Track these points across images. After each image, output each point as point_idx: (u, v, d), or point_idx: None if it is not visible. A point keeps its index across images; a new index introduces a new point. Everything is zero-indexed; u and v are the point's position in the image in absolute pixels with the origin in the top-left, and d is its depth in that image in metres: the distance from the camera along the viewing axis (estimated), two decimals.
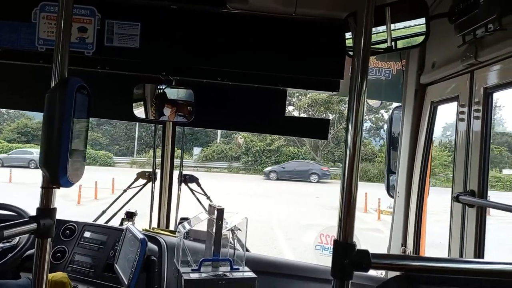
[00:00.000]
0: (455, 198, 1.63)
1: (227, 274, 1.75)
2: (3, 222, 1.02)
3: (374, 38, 2.24)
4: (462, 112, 1.70)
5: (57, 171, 1.09)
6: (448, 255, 1.75)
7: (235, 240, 1.92)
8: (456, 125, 1.76)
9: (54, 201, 1.14)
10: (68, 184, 1.12)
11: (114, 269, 1.93)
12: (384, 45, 2.08)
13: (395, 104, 2.79)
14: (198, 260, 1.77)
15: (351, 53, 1.68)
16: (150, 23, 2.05)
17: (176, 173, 3.07)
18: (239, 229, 1.91)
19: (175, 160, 3.03)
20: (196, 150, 32.14)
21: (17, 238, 2.17)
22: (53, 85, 1.15)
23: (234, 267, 1.80)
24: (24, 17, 2.02)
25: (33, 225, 1.08)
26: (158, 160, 3.05)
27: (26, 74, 2.29)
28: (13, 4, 2.05)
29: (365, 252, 0.88)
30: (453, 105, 1.82)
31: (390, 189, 2.46)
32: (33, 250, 1.16)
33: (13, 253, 2.01)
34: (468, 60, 1.59)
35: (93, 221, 2.63)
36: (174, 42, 2.08)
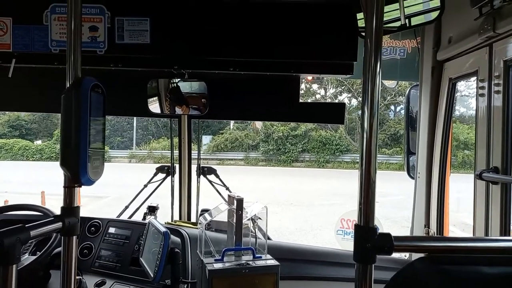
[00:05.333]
0: (478, 176, 1.59)
1: (250, 262, 1.76)
2: (30, 222, 1.05)
3: (387, 16, 2.19)
4: (482, 87, 1.65)
5: (77, 171, 1.11)
6: (473, 235, 1.72)
7: (256, 229, 1.93)
8: (477, 101, 1.71)
9: (77, 200, 1.17)
10: (89, 182, 1.15)
11: (139, 263, 1.97)
12: (398, 23, 2.03)
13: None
14: (221, 250, 1.79)
15: (363, 34, 1.65)
16: (159, 17, 2.05)
17: (194, 166, 3.09)
18: (260, 218, 1.92)
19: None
20: (206, 139, 26.80)
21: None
22: (68, 85, 1.17)
23: (257, 255, 1.81)
24: (36, 20, 2.05)
25: (59, 224, 1.11)
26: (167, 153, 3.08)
27: (41, 77, 2.33)
28: (25, 7, 2.08)
29: (387, 235, 0.87)
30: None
31: (410, 170, 2.43)
32: (61, 248, 1.20)
33: (42, 251, 2.07)
34: (486, 33, 1.54)
35: (117, 217, 2.69)
36: (184, 35, 2.08)
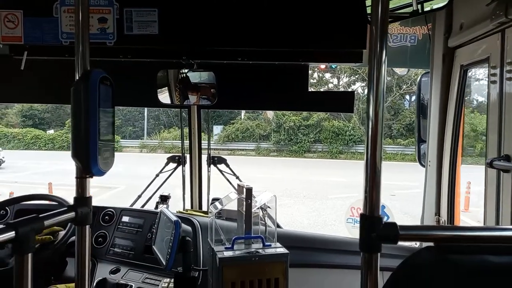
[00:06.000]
0: (489, 164, 1.58)
1: (260, 250, 1.79)
2: (43, 212, 1.08)
3: (398, 2, 2.15)
4: (494, 74, 1.62)
5: (88, 161, 1.14)
6: (484, 224, 1.71)
7: (266, 217, 1.95)
8: (488, 87, 1.69)
9: (89, 190, 1.20)
10: (100, 173, 1.17)
11: (152, 251, 2.01)
12: (409, 9, 1.99)
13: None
14: (231, 239, 1.82)
15: None
16: (167, 8, 2.05)
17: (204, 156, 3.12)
18: (269, 207, 1.94)
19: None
20: (216, 130, 26.16)
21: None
22: (76, 78, 1.18)
23: (266, 243, 1.84)
24: (46, 12, 2.07)
25: (72, 214, 1.14)
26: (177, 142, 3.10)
27: (52, 69, 2.36)
28: (35, 0, 2.10)
29: (393, 224, 0.87)
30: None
31: (421, 158, 2.41)
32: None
33: (58, 240, 2.13)
34: (498, 19, 1.50)
35: (130, 206, 2.74)
36: (192, 25, 2.08)
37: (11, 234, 0.93)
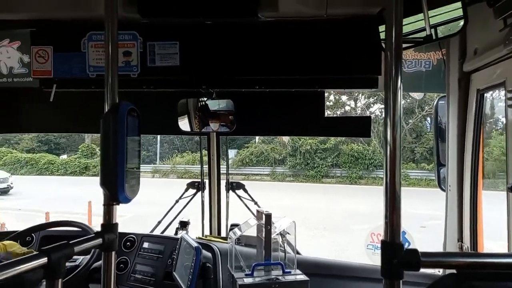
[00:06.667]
0: (510, 189, 1.56)
1: (280, 277, 1.78)
2: (68, 238, 1.13)
3: (410, 28, 2.20)
4: (511, 98, 1.63)
5: (116, 189, 1.19)
6: (508, 250, 1.67)
7: (285, 244, 1.95)
8: (506, 112, 1.68)
9: (115, 217, 1.24)
10: (126, 200, 1.22)
11: (172, 277, 2.02)
12: (422, 34, 2.02)
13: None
14: (251, 265, 1.82)
15: None
16: (188, 40, 2.15)
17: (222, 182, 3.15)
18: (288, 233, 1.94)
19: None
20: (231, 153, 24.17)
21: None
22: (106, 109, 1.25)
23: (286, 270, 1.83)
24: (74, 47, 2.19)
25: (99, 240, 1.18)
26: (193, 168, 3.14)
27: (80, 100, 2.47)
28: (64, 36, 2.23)
29: (414, 251, 0.87)
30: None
31: (441, 183, 2.38)
32: (99, 262, 1.27)
33: (82, 266, 2.17)
34: (511, 44, 1.52)
35: (150, 232, 2.77)
36: (211, 56, 2.17)
37: (44, 260, 0.98)
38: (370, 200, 14.70)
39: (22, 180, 21.27)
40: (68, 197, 15.86)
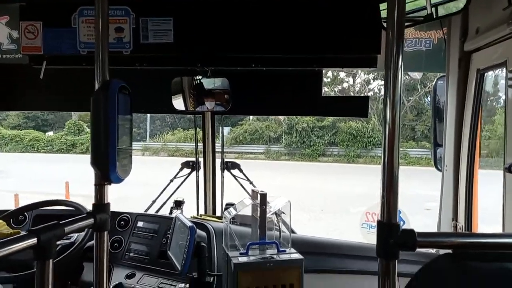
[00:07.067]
0: (507, 169, 1.55)
1: (274, 256, 1.78)
2: (61, 217, 1.11)
3: (412, 6, 2.14)
4: (511, 79, 1.60)
5: (107, 169, 1.16)
6: (503, 231, 1.68)
7: (280, 223, 1.95)
8: (506, 92, 1.66)
9: (107, 197, 1.22)
10: (118, 180, 1.20)
11: (167, 256, 2.03)
12: (423, 13, 1.97)
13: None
14: (246, 244, 1.82)
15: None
16: (182, 17, 2.09)
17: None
18: (283, 212, 1.94)
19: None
20: (224, 131, 21.91)
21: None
22: (96, 87, 1.21)
23: (281, 249, 1.83)
24: (64, 23, 2.12)
25: (90, 220, 1.16)
26: (185, 146, 3.12)
27: (70, 78, 2.41)
28: (54, 11, 2.16)
29: (411, 231, 0.87)
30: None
31: (437, 162, 2.39)
32: (93, 241, 1.26)
33: (75, 245, 2.17)
34: None
35: (144, 211, 2.77)
36: (206, 33, 2.11)
37: (34, 240, 0.96)
38: (367, 179, 13.22)
39: (4, 157, 20.57)
40: (50, 176, 14.69)
